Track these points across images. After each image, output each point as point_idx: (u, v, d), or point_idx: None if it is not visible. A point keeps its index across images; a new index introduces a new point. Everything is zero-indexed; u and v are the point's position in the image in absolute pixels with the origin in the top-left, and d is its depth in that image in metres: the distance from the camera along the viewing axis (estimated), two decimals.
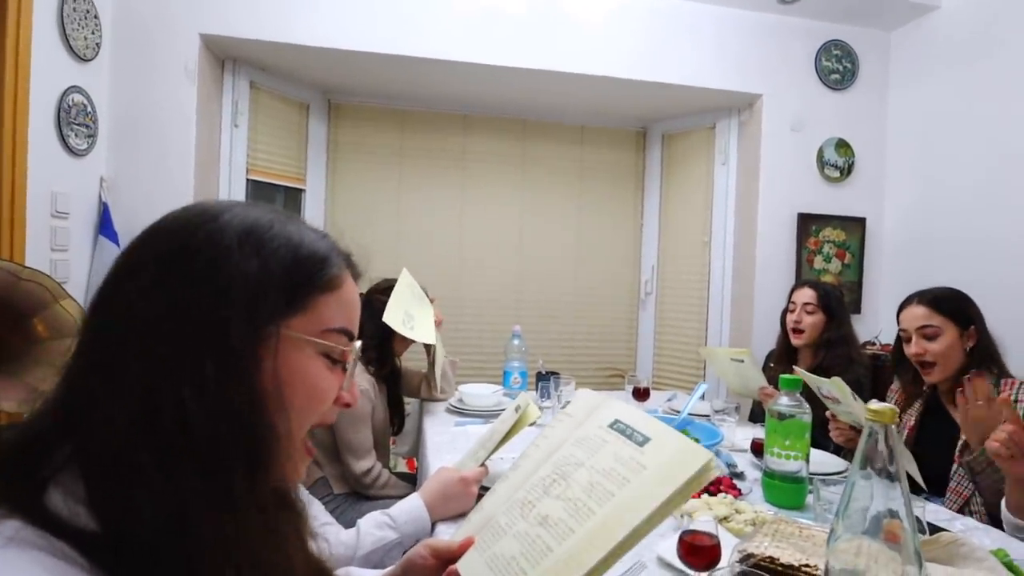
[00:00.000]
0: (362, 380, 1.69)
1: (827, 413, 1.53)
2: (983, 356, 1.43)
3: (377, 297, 1.80)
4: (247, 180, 2.53)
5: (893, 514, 0.59)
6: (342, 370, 0.50)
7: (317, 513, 1.26)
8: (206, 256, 0.44)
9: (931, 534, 0.89)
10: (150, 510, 0.38)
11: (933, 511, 1.18)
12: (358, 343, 0.51)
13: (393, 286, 1.79)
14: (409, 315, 1.78)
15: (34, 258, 1.75)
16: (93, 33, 2.03)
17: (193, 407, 0.40)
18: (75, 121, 1.95)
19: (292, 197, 2.80)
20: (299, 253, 0.47)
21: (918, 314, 1.48)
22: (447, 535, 0.71)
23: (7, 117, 1.67)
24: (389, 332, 1.77)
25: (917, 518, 0.84)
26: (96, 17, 2.04)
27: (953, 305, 1.48)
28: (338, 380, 0.50)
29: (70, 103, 1.92)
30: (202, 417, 0.40)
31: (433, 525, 1.04)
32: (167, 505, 0.38)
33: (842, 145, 2.68)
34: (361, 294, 1.95)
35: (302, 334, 0.46)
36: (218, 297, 0.42)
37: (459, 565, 0.63)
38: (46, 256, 1.84)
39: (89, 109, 2.02)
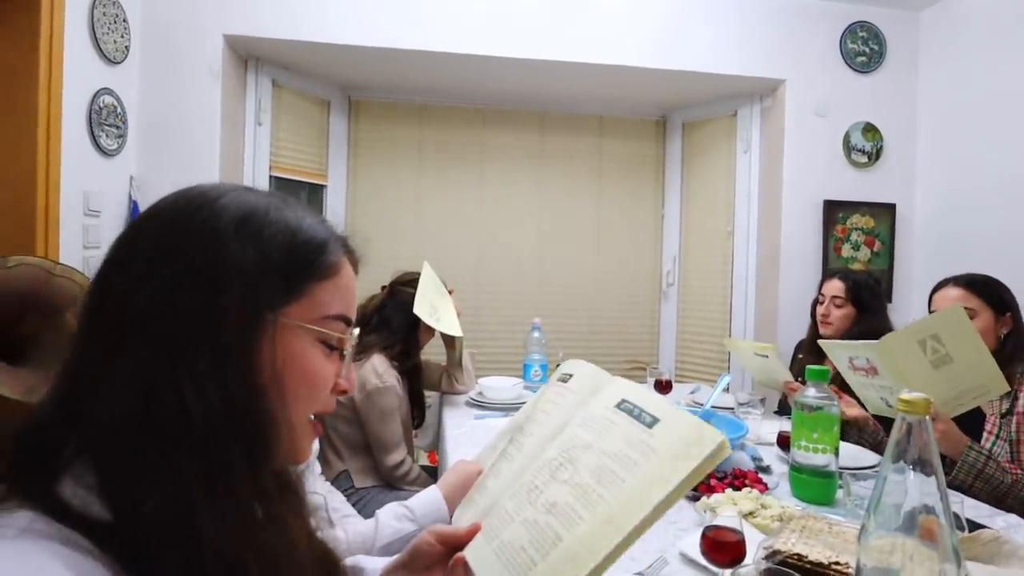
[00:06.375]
0: (389, 376, 1.71)
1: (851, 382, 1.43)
2: (1017, 344, 1.38)
3: (402, 289, 1.81)
4: (270, 177, 2.57)
5: (929, 510, 0.56)
6: (339, 357, 0.50)
7: (338, 505, 1.27)
8: (201, 244, 0.43)
9: (970, 531, 0.86)
10: (155, 499, 0.38)
11: (972, 506, 1.14)
12: (356, 330, 0.50)
13: (415, 279, 1.80)
14: (434, 307, 1.79)
15: (68, 255, 1.80)
16: (122, 37, 2.07)
17: (191, 398, 0.40)
18: (106, 122, 2.00)
19: (314, 193, 2.83)
20: (296, 239, 0.47)
21: (953, 295, 1.44)
22: None
23: (41, 119, 1.72)
24: (415, 324, 1.78)
25: (955, 514, 0.81)
26: (125, 21, 2.08)
27: (990, 290, 1.43)
28: (335, 367, 0.49)
29: (101, 105, 1.97)
30: (200, 407, 0.40)
31: (452, 518, 1.04)
32: (171, 494, 0.38)
33: (869, 129, 2.60)
34: (384, 287, 1.96)
35: (299, 321, 0.46)
36: (214, 286, 0.42)
37: (467, 552, 0.62)
38: (79, 253, 1.90)
39: (119, 110, 2.07)
